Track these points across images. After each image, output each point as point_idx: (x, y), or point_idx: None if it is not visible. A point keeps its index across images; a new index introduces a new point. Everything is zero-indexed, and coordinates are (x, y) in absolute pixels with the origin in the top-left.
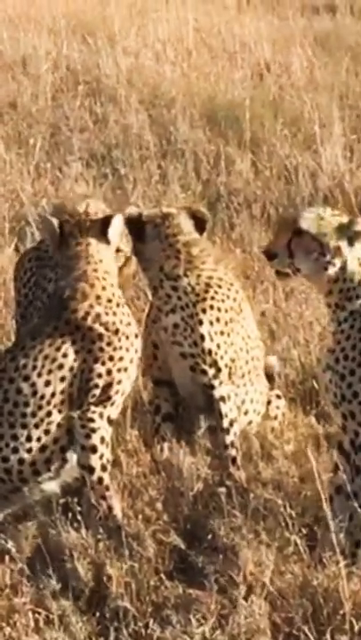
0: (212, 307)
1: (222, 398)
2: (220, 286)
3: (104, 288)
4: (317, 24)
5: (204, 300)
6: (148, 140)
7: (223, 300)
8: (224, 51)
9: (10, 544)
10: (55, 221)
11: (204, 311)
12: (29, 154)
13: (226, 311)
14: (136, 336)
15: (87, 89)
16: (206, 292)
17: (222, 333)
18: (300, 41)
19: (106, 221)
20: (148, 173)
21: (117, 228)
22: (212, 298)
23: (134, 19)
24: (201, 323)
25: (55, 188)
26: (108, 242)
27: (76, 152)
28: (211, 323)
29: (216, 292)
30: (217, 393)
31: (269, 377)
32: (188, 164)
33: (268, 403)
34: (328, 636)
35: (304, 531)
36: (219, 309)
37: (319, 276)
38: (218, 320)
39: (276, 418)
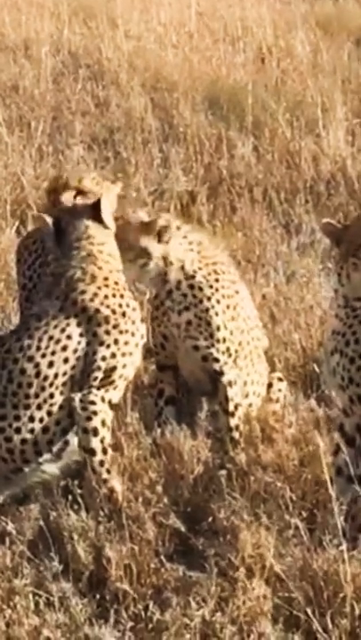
0: (223, 296)
1: (230, 383)
2: (223, 272)
3: (111, 271)
4: (319, 8)
5: (217, 290)
6: (149, 124)
7: (229, 287)
8: (226, 34)
9: (10, 526)
10: (49, 219)
11: (218, 302)
12: (31, 137)
13: (232, 297)
14: (142, 321)
15: (89, 72)
16: (217, 281)
17: (232, 319)
18: (302, 25)
19: (96, 206)
20: (149, 157)
21: (108, 211)
22: (222, 287)
23: (136, 2)
24: (217, 314)
25: (57, 171)
26: (105, 227)
27: (78, 135)
28: (223, 312)
29: (224, 280)
30: (225, 378)
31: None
32: (190, 148)
33: (270, 385)
34: (328, 618)
35: (304, 514)
36: (229, 297)
37: None
38: (228, 307)
39: (277, 401)
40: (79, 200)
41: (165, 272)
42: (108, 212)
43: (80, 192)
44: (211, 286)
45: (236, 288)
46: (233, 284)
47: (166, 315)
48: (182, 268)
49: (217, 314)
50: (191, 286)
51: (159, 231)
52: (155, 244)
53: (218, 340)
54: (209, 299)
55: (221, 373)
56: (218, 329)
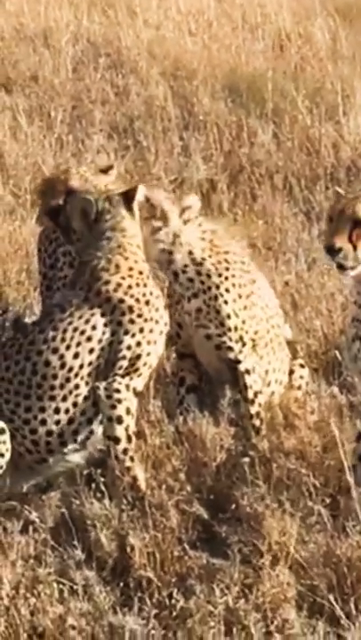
0: (233, 285)
1: (247, 371)
2: (235, 262)
3: (136, 261)
4: None
5: (227, 279)
6: (169, 112)
7: (241, 276)
8: (245, 22)
9: (34, 515)
10: (92, 199)
11: (228, 291)
12: (51, 126)
13: (245, 286)
14: (165, 308)
15: (108, 61)
16: (227, 269)
17: (245, 308)
18: (321, 11)
19: (128, 195)
20: (170, 145)
21: (141, 201)
22: (233, 276)
23: None
24: (226, 303)
25: (77, 160)
26: (133, 215)
27: (98, 124)
28: (234, 300)
29: (235, 269)
30: (242, 366)
31: (289, 345)
32: (210, 136)
33: (292, 372)
34: (352, 605)
35: (327, 500)
36: (240, 285)
37: None
38: (240, 296)
39: (299, 388)
40: (113, 186)
41: (171, 251)
42: (139, 202)
43: (70, 191)
44: (220, 274)
45: (250, 277)
46: (246, 273)
47: (179, 303)
48: (190, 253)
49: (226, 302)
50: (199, 272)
51: (183, 208)
52: (176, 215)
53: (229, 329)
54: (218, 287)
55: (238, 362)
56: (228, 317)
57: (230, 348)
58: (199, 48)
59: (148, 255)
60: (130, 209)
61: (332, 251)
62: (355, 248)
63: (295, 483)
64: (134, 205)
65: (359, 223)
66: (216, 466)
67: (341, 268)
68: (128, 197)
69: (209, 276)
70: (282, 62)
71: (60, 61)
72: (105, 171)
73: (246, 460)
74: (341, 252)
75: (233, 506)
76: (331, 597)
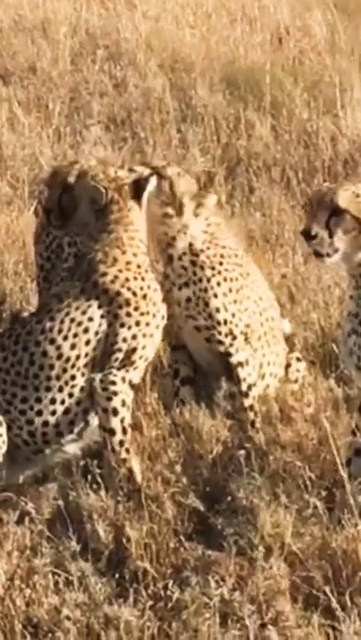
0: (225, 279)
1: (240, 364)
2: (230, 256)
3: (135, 255)
4: None
5: (219, 272)
6: (167, 104)
7: (234, 270)
8: (244, 14)
9: (30, 506)
10: (102, 188)
11: (218, 284)
12: (49, 118)
13: (237, 279)
14: (163, 302)
15: (106, 53)
16: (221, 263)
17: (235, 302)
18: (319, 4)
19: (137, 185)
20: (167, 137)
21: (149, 192)
22: (226, 270)
23: None
24: (216, 296)
25: (75, 151)
26: (140, 205)
27: (96, 116)
28: (224, 294)
29: (228, 263)
30: (234, 359)
31: (286, 338)
32: (208, 128)
33: (288, 366)
34: (347, 597)
35: (323, 493)
36: (231, 279)
37: (356, 254)
38: (230, 290)
39: (296, 381)
40: (122, 174)
41: (175, 238)
42: (148, 193)
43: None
44: (213, 268)
45: (242, 271)
46: (239, 266)
47: (170, 292)
48: (191, 244)
49: (216, 295)
50: (193, 263)
51: (199, 203)
52: (191, 209)
53: (218, 323)
54: (209, 280)
55: (229, 354)
56: (217, 310)
57: (220, 342)
58: (197, 40)
59: (151, 232)
60: (139, 198)
61: (308, 236)
62: (331, 235)
63: (291, 475)
64: (144, 197)
65: (337, 211)
66: (212, 458)
67: (318, 254)
68: (138, 187)
69: (202, 268)
70: (280, 55)
71: (58, 53)
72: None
73: (242, 452)
74: (317, 239)
75: (229, 498)
76: (326, 589)
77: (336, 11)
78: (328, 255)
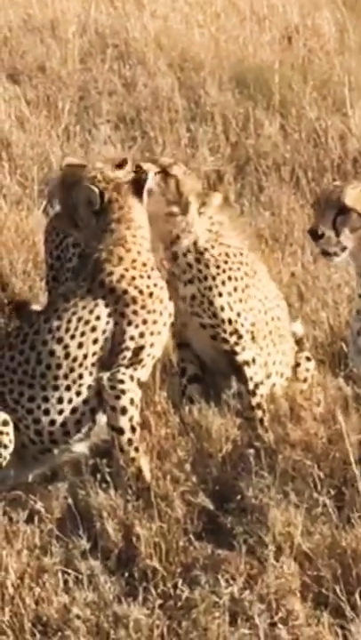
0: (230, 277)
1: (246, 362)
2: (235, 254)
3: (140, 253)
4: None
5: (224, 271)
6: (176, 103)
7: (239, 269)
8: (253, 13)
9: (39, 505)
10: (97, 190)
11: (223, 283)
12: (58, 117)
13: (242, 278)
14: (169, 299)
15: (116, 52)
16: (226, 262)
17: (241, 301)
18: (328, 3)
19: (138, 182)
20: (176, 136)
21: (149, 188)
22: (230, 269)
23: None
24: (220, 295)
25: (84, 150)
26: (142, 201)
27: (105, 115)
28: (229, 293)
29: (233, 262)
30: (240, 358)
31: (298, 340)
32: (217, 127)
33: (298, 365)
34: (357, 596)
35: (333, 492)
36: (236, 279)
37: None
38: (235, 289)
39: (305, 380)
40: (122, 173)
41: (179, 236)
42: (148, 189)
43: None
44: (218, 266)
45: (247, 269)
46: (245, 265)
47: (176, 290)
48: (195, 242)
49: (220, 294)
50: (198, 260)
51: (203, 202)
52: (196, 208)
53: (223, 321)
54: (214, 278)
55: (235, 353)
56: (222, 309)
57: (225, 340)
58: (206, 39)
59: (155, 229)
60: (139, 194)
61: (315, 236)
62: (338, 234)
63: (300, 474)
64: (144, 193)
65: (344, 210)
66: (221, 457)
67: (325, 254)
68: (138, 184)
69: (207, 266)
70: (289, 54)
71: (67, 52)
72: (120, 165)
73: (252, 451)
74: (324, 238)
75: (238, 497)
76: (336, 588)
77: (345, 10)
78: (336, 254)
